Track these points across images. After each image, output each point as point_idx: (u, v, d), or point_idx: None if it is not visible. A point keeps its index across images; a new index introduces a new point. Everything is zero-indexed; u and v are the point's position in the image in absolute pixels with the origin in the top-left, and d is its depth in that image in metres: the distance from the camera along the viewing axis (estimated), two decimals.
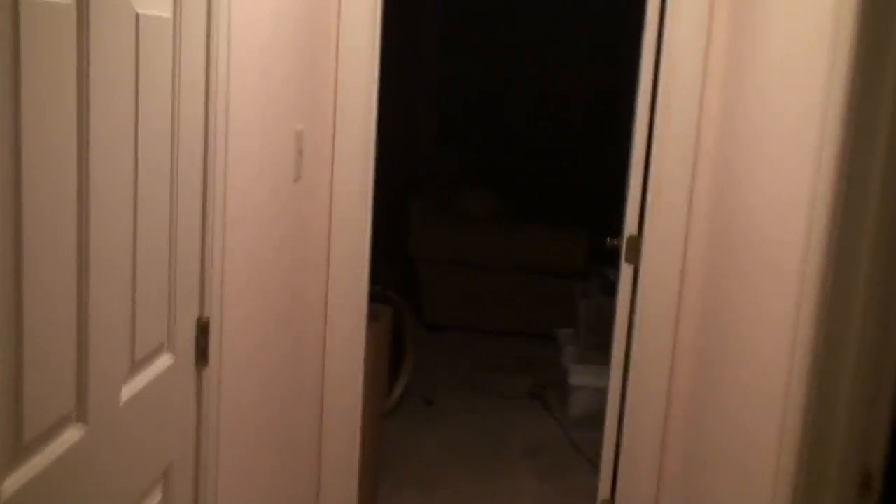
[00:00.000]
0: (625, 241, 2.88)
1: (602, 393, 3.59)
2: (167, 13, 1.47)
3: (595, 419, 4.00)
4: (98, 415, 1.30)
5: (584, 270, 5.22)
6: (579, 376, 4.33)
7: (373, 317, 3.13)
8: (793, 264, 1.74)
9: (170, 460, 1.62)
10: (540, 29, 6.62)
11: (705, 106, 2.71)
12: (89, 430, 1.27)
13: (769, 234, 1.97)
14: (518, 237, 5.60)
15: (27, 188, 1.06)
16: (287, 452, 2.55)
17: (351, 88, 2.77)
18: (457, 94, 6.81)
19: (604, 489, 3.06)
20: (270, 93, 2.08)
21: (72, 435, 1.23)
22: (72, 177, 1.18)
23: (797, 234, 1.73)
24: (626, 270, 2.90)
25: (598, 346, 4.25)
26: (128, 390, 1.41)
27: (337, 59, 2.74)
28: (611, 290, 3.98)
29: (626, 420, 2.95)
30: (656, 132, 2.77)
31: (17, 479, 1.09)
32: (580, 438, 4.13)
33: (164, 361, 1.56)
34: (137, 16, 1.36)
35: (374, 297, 3.22)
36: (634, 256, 2.86)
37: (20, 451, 1.10)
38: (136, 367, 1.45)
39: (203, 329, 1.70)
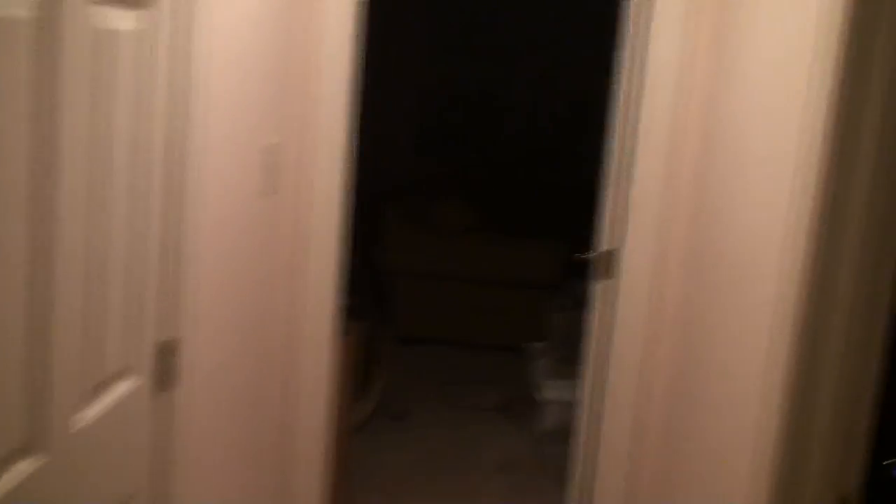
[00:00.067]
0: (600, 256, 2.86)
1: (573, 407, 3.57)
2: (132, 27, 1.43)
3: (566, 433, 3.97)
4: (53, 445, 1.25)
5: (559, 283, 5.20)
6: (551, 390, 4.31)
7: (343, 332, 3.09)
8: (771, 285, 1.72)
9: (131, 488, 1.57)
10: (518, 40, 6.61)
11: (684, 118, 2.70)
12: (43, 461, 1.22)
13: (747, 252, 1.96)
14: (492, 250, 5.58)
15: None
16: (254, 471, 2.50)
17: (326, 100, 2.73)
18: (433, 105, 6.78)
19: None
20: (242, 106, 2.04)
21: (24, 468, 1.18)
22: (28, 193, 1.14)
23: (776, 253, 1.71)
24: (600, 286, 2.88)
25: (570, 360, 4.23)
26: (85, 418, 1.37)
27: (312, 70, 2.70)
28: (584, 304, 3.97)
29: (598, 436, 2.92)
30: (634, 145, 2.75)
31: None
32: (551, 453, 4.10)
33: (125, 386, 1.51)
34: (101, 31, 1.32)
35: (346, 310, 3.18)
36: (609, 271, 2.84)
37: None
38: (94, 392, 1.40)
39: (167, 351, 1.66)
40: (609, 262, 2.83)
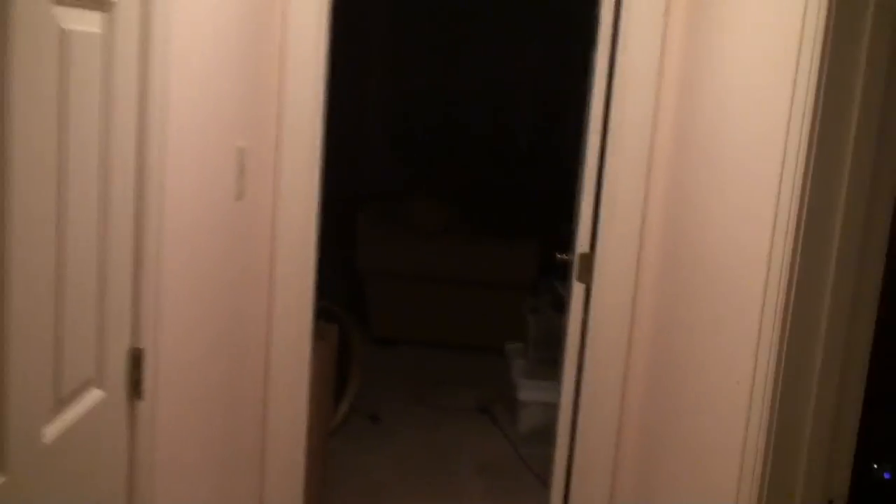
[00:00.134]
0: (576, 258, 2.83)
1: (551, 408, 3.54)
2: (97, 28, 1.38)
3: (544, 435, 3.95)
4: (18, 460, 1.20)
5: (535, 284, 5.18)
6: (528, 391, 4.28)
7: (318, 335, 3.05)
8: (754, 286, 1.70)
9: (104, 501, 1.51)
10: (493, 40, 6.58)
11: (659, 119, 2.68)
12: (7, 478, 1.17)
13: (727, 252, 1.93)
14: (467, 250, 5.54)
15: None
16: (231, 477, 2.45)
17: (297, 102, 2.68)
18: (407, 105, 6.73)
19: None
20: (210, 109, 1.99)
21: None
22: None
23: (758, 255, 1.69)
24: (577, 288, 2.85)
25: (547, 361, 4.21)
26: (52, 431, 1.31)
27: (282, 71, 2.65)
28: (561, 305, 3.94)
29: (577, 438, 2.90)
30: (609, 145, 2.72)
31: None
32: (529, 454, 4.08)
33: (93, 397, 1.46)
34: (63, 31, 1.27)
35: (321, 312, 3.13)
36: (586, 275, 2.81)
37: None
38: (61, 404, 1.35)
39: (136, 360, 1.61)
40: (586, 265, 2.81)
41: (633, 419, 2.81)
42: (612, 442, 2.85)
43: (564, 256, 3.01)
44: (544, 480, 3.69)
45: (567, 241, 3.02)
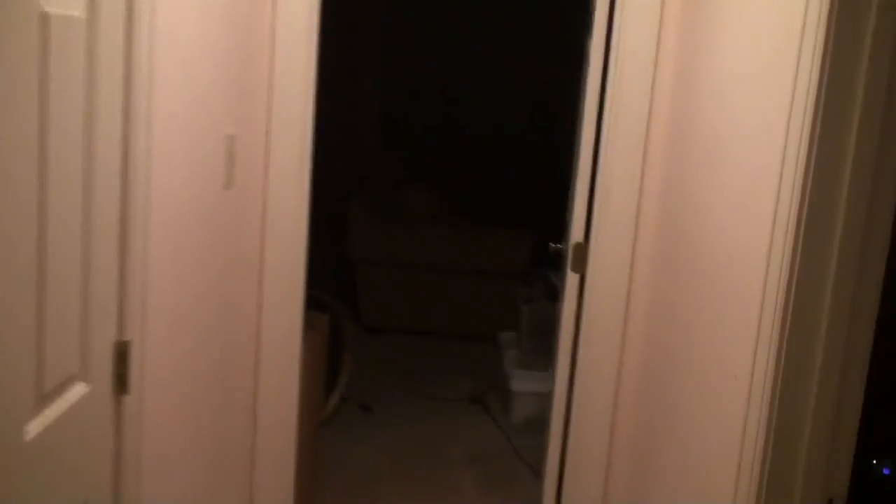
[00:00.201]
0: (570, 248, 2.80)
1: (544, 399, 3.52)
2: (80, 12, 1.34)
3: (537, 425, 3.93)
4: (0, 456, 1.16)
5: (527, 273, 5.15)
6: (521, 382, 4.26)
7: (309, 325, 3.01)
8: (753, 282, 1.67)
9: (89, 496, 1.48)
10: (486, 28, 6.53)
11: (655, 109, 2.64)
12: None
13: (724, 246, 1.90)
14: (459, 238, 5.51)
15: None
16: (218, 470, 2.42)
17: (287, 89, 2.64)
18: (400, 93, 6.68)
19: (548, 500, 2.99)
20: (198, 96, 1.95)
21: None
22: None
23: (757, 248, 1.66)
24: (571, 278, 2.82)
25: (540, 351, 4.19)
26: (34, 427, 1.27)
27: (272, 58, 2.61)
28: (554, 294, 3.92)
29: (571, 430, 2.88)
30: (604, 136, 2.69)
31: None
32: (522, 445, 4.06)
33: (77, 392, 1.42)
34: (45, 15, 1.22)
35: (311, 302, 3.10)
36: (580, 265, 2.78)
37: None
38: (43, 400, 1.31)
39: (122, 353, 1.57)
40: (580, 254, 2.78)
41: (628, 411, 2.78)
42: (607, 433, 2.83)
43: (558, 246, 2.98)
44: (537, 471, 3.67)
45: (560, 230, 2.99)
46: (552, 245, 3.03)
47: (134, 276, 1.58)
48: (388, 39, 6.56)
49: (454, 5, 6.49)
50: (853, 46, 1.41)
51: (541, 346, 4.20)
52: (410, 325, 5.47)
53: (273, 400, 2.81)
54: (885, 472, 1.51)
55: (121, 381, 1.57)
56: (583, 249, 2.77)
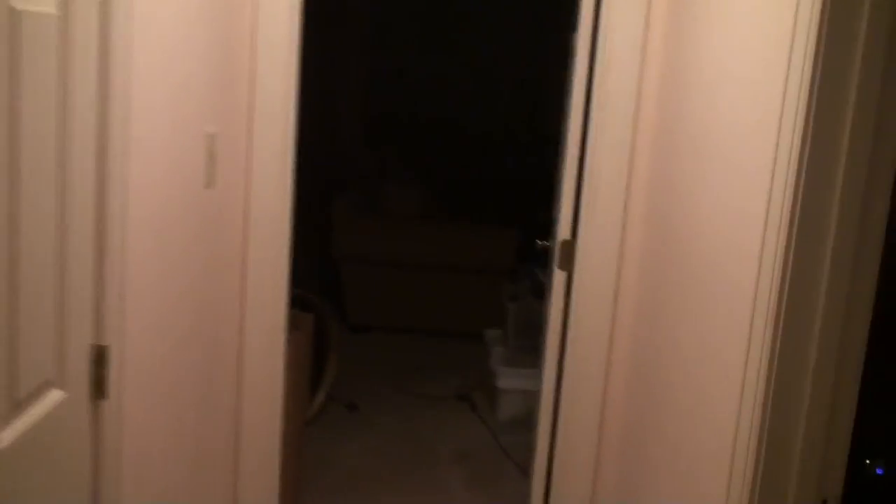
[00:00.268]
0: (558, 246, 2.77)
1: (531, 396, 3.49)
2: (52, 9, 1.30)
3: (524, 423, 3.91)
4: None
5: (513, 269, 5.12)
6: (508, 379, 4.23)
7: (293, 325, 2.97)
8: (745, 281, 1.65)
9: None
10: (471, 23, 6.49)
11: (642, 105, 2.61)
12: None
13: (714, 244, 1.88)
14: (445, 235, 5.48)
15: None
16: (202, 471, 2.38)
17: (269, 86, 2.59)
18: (383, 89, 6.63)
19: (537, 499, 2.96)
20: (177, 93, 1.90)
21: None
22: None
23: (749, 248, 1.63)
24: (558, 276, 2.80)
25: (527, 349, 4.16)
26: (7, 436, 1.23)
27: (253, 54, 2.56)
28: (541, 291, 3.89)
29: (559, 428, 2.85)
30: (591, 132, 2.66)
31: None
32: (509, 443, 4.03)
33: (52, 398, 1.38)
34: (14, 11, 1.18)
35: (296, 301, 3.06)
36: (568, 262, 2.75)
37: None
38: (17, 408, 1.27)
39: (99, 357, 1.53)
40: (567, 252, 2.75)
41: (617, 409, 2.76)
42: (595, 432, 2.81)
43: (545, 243, 2.95)
44: (524, 469, 3.65)
45: (546, 227, 2.96)
46: (539, 242, 3.00)
47: (111, 277, 1.54)
48: (372, 35, 6.51)
49: (437, 0, 6.46)
50: (846, 39, 1.38)
51: (527, 343, 4.17)
52: (396, 323, 5.44)
53: (257, 400, 2.77)
54: (879, 472, 1.49)
55: (98, 386, 1.53)
56: (570, 247, 2.74)
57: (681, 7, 2.38)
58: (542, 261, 3.06)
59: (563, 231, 2.75)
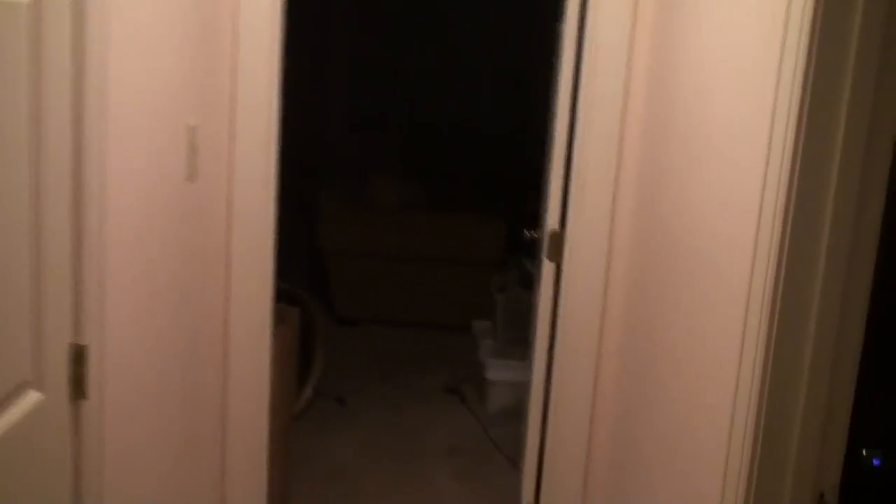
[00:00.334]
0: (546, 237, 2.74)
1: (520, 388, 3.47)
2: None
3: (513, 415, 3.89)
4: None
5: (502, 260, 5.09)
6: (497, 371, 4.21)
7: (280, 319, 2.94)
8: (738, 273, 1.62)
9: None
10: (457, 14, 6.44)
11: (631, 94, 2.58)
12: None
13: (706, 237, 1.85)
14: (432, 227, 5.44)
15: None
16: (188, 469, 2.35)
17: (251, 76, 2.55)
18: (369, 78, 6.57)
19: (527, 493, 2.94)
20: (156, 84, 1.86)
21: None
22: None
23: (742, 240, 1.60)
24: (547, 267, 2.77)
25: (516, 340, 4.14)
26: None
27: (234, 44, 2.51)
28: (529, 282, 3.87)
29: (549, 420, 2.83)
30: (578, 122, 2.63)
31: None
32: (498, 435, 4.01)
33: (29, 400, 1.34)
34: None
35: (282, 295, 3.02)
36: (556, 254, 2.72)
37: None
38: None
39: (78, 357, 1.48)
40: (556, 243, 2.72)
41: (608, 402, 2.74)
42: (586, 424, 2.78)
43: (533, 233, 2.92)
44: (514, 461, 3.63)
45: (533, 218, 2.93)
46: (526, 232, 2.97)
47: (90, 274, 1.50)
48: (356, 24, 6.45)
49: None
50: (840, 25, 1.35)
51: (516, 335, 4.15)
52: (384, 315, 5.40)
53: (243, 395, 2.73)
54: (876, 462, 1.47)
55: (78, 386, 1.49)
56: (559, 238, 2.71)
57: None
58: (530, 251, 3.03)
59: (551, 222, 2.72)
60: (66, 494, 1.49)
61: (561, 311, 2.74)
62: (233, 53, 2.51)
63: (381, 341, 5.18)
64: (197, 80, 2.19)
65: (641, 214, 2.50)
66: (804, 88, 1.37)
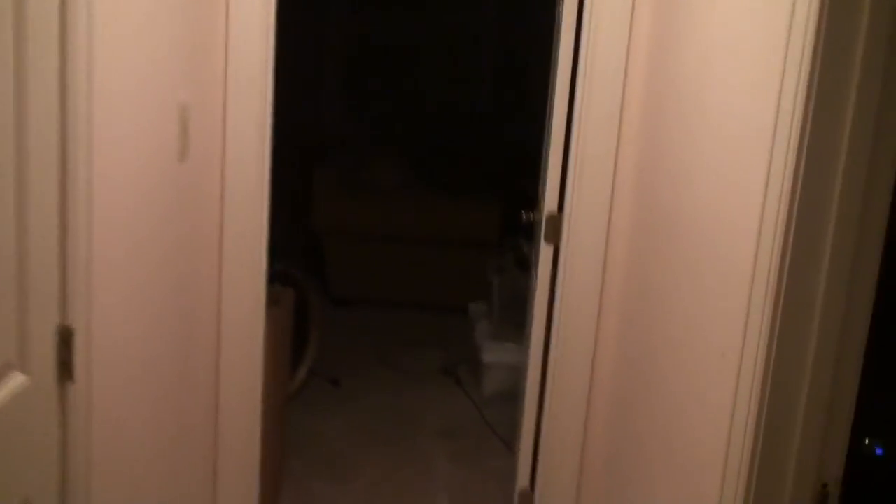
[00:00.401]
0: (544, 219, 2.70)
1: (516, 371, 3.44)
2: None
3: (509, 397, 3.87)
4: None
5: (499, 242, 5.06)
6: (493, 353, 4.19)
7: (273, 300, 2.90)
8: (742, 258, 1.58)
9: (27, 497, 1.37)
10: None
11: (631, 74, 2.54)
12: None
13: (709, 220, 1.81)
14: (428, 208, 5.40)
15: None
16: (179, 453, 2.32)
17: (245, 53, 2.50)
18: (365, 57, 6.50)
19: (522, 478, 2.92)
20: (146, 61, 1.81)
21: None
22: None
23: (746, 224, 1.57)
24: (545, 249, 2.73)
25: (512, 322, 4.11)
26: None
27: (228, 19, 2.46)
28: (525, 264, 3.83)
29: (545, 404, 2.80)
30: (577, 103, 2.59)
31: None
32: (494, 417, 3.99)
33: (15, 383, 1.31)
34: None
35: (276, 276, 2.98)
36: (555, 236, 2.69)
37: None
38: None
39: (66, 339, 1.45)
40: (554, 225, 2.68)
41: (605, 385, 2.71)
42: (583, 408, 2.76)
43: (531, 215, 2.89)
44: (509, 444, 3.61)
45: (530, 199, 2.89)
46: (524, 214, 2.93)
47: (76, 253, 1.46)
48: (352, 4, 6.38)
49: None
50: (850, 7, 1.31)
51: (512, 317, 4.12)
52: (379, 296, 5.37)
53: (237, 377, 2.70)
54: (879, 452, 1.44)
55: (65, 368, 1.45)
56: (557, 220, 2.68)
57: None
58: (527, 233, 2.99)
59: (549, 204, 2.68)
60: (52, 478, 1.46)
61: (558, 293, 2.71)
62: (225, 29, 2.46)
63: (377, 322, 5.16)
64: (188, 56, 2.14)
65: (641, 197, 2.46)
66: (813, 64, 1.33)
